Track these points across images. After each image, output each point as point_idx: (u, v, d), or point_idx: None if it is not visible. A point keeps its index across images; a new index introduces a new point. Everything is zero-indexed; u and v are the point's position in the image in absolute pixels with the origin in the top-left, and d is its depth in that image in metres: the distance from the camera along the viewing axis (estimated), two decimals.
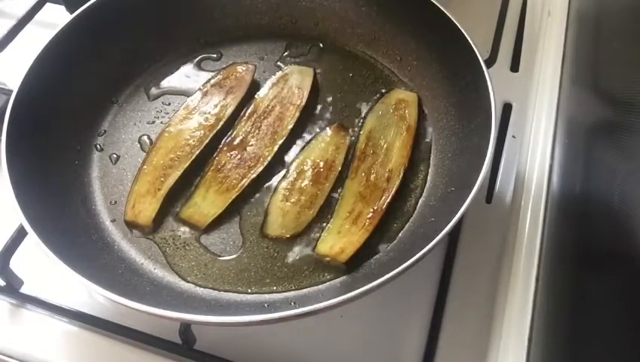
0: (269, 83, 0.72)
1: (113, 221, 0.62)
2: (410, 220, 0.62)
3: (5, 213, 0.55)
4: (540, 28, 0.85)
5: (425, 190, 0.64)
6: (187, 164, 0.64)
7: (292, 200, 0.62)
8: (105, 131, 0.69)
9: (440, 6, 0.66)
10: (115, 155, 0.67)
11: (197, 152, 0.65)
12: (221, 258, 0.60)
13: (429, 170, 0.65)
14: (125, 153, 0.67)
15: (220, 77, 0.72)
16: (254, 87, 0.72)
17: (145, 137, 0.69)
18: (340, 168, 0.64)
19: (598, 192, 0.57)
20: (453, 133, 0.65)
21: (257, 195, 0.64)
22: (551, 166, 0.70)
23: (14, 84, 0.60)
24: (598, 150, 0.62)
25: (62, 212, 0.59)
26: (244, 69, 0.73)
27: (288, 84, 0.71)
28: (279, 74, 0.72)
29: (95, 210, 0.63)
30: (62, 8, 0.83)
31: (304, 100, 0.69)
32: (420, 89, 0.71)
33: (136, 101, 0.72)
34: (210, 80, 0.72)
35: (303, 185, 0.63)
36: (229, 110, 0.69)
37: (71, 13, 0.67)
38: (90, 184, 0.65)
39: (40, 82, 0.62)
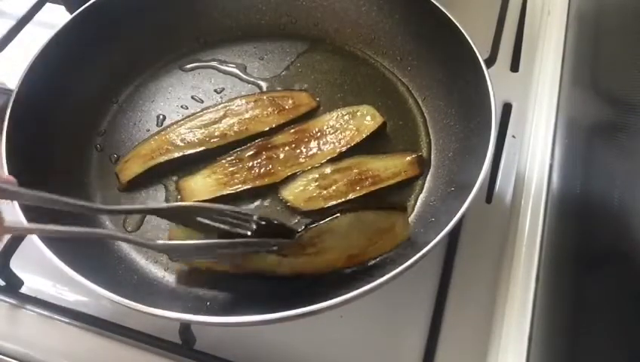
0: (336, 112, 0.69)
1: (113, 222, 0.62)
2: (410, 220, 0.62)
3: (5, 213, 0.55)
4: (539, 27, 0.85)
5: (425, 190, 0.64)
6: (191, 151, 0.65)
7: (319, 184, 0.62)
8: (104, 131, 0.69)
9: (440, 6, 0.66)
10: (114, 155, 0.67)
11: (202, 149, 0.65)
12: None
13: (429, 170, 0.65)
14: (125, 153, 0.67)
15: (277, 93, 0.71)
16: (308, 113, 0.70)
17: (144, 137, 0.69)
18: (382, 186, 0.63)
19: (598, 192, 0.57)
20: (453, 133, 0.65)
21: (258, 199, 0.64)
22: (551, 166, 0.70)
23: (14, 83, 0.60)
24: (598, 150, 0.62)
25: (61, 212, 0.59)
26: (308, 100, 0.71)
27: (351, 123, 0.67)
28: (351, 108, 0.69)
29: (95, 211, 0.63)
30: (62, 8, 0.83)
31: (354, 143, 0.66)
32: (419, 89, 0.71)
33: (136, 101, 0.72)
34: (265, 90, 0.72)
35: (340, 179, 0.63)
36: (267, 127, 0.68)
37: (71, 13, 0.68)
38: (89, 184, 0.65)
39: (40, 82, 0.62)
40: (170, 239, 0.56)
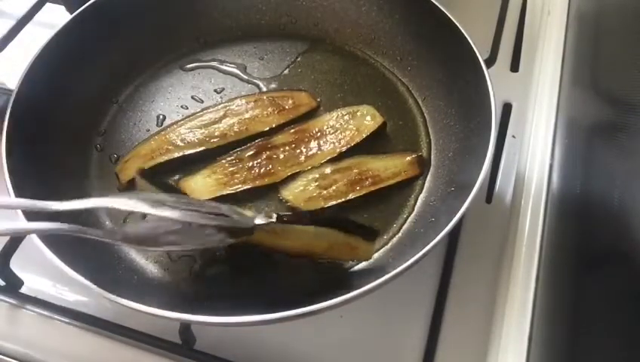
0: (336, 112, 0.68)
1: (113, 221, 0.62)
2: (410, 220, 0.62)
3: (4, 213, 0.55)
4: (539, 27, 0.85)
5: (425, 190, 0.64)
6: (191, 151, 0.65)
7: (319, 184, 0.62)
8: (104, 131, 0.69)
9: (440, 6, 0.66)
10: (114, 156, 0.67)
11: (202, 149, 0.65)
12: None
13: (429, 170, 0.65)
14: (125, 153, 0.67)
15: (277, 93, 0.71)
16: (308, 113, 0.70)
17: (144, 137, 0.69)
18: (382, 186, 0.63)
19: (598, 192, 0.57)
20: (453, 133, 0.65)
21: (258, 199, 0.63)
22: (551, 166, 0.70)
23: (14, 84, 0.60)
24: (598, 150, 0.62)
25: (61, 212, 0.59)
26: (308, 100, 0.70)
27: (351, 123, 0.67)
28: (351, 108, 0.68)
29: (94, 210, 0.63)
30: (62, 8, 0.83)
31: (354, 143, 0.66)
32: (419, 89, 0.71)
33: (136, 101, 0.72)
34: (264, 90, 0.72)
35: (340, 179, 0.63)
36: (267, 127, 0.68)
37: (71, 13, 0.67)
38: (89, 184, 0.65)
39: (40, 82, 0.62)
40: None
